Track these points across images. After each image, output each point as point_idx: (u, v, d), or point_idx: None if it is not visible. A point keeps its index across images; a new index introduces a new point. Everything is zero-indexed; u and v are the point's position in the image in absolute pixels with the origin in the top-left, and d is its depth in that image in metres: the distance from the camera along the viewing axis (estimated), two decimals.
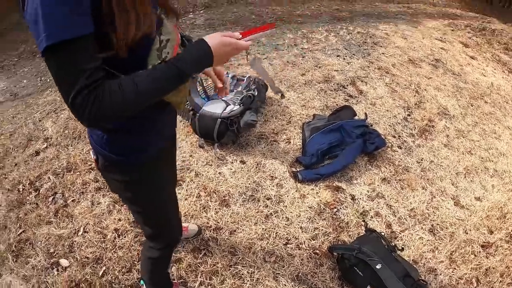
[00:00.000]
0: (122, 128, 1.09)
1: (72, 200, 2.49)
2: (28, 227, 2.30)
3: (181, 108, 1.19)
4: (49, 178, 2.65)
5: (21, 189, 2.58)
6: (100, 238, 2.22)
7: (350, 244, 2.13)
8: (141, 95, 0.89)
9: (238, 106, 2.73)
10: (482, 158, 3.25)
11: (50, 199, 2.50)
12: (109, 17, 0.83)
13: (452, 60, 4.94)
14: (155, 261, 1.57)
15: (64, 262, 2.09)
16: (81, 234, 2.25)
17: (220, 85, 1.34)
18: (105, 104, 0.83)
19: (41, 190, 2.56)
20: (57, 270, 2.06)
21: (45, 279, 2.02)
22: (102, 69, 0.84)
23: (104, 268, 2.06)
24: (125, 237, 2.22)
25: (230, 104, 2.80)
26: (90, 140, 1.17)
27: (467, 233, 2.50)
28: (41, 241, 2.21)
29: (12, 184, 2.63)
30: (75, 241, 2.20)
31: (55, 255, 2.14)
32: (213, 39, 0.99)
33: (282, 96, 1.32)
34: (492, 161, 3.25)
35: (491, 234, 2.54)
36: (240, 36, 1.05)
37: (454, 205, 2.68)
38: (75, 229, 2.27)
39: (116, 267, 2.06)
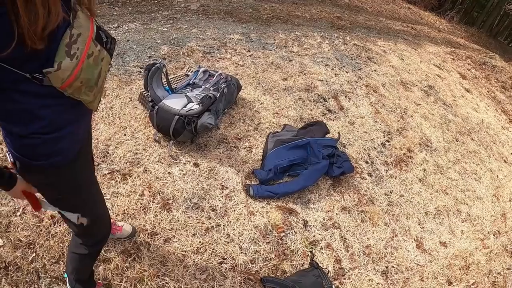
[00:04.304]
0: (37, 133, 1.03)
1: None
2: None
3: (95, 107, 1.13)
4: None
5: None
6: (36, 223, 2.07)
7: (285, 280, 1.89)
8: None
9: (198, 106, 2.47)
10: (456, 199, 3.03)
11: None
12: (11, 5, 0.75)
13: (446, 90, 4.73)
14: (83, 258, 1.54)
15: None
16: (20, 215, 2.10)
17: None
18: None
19: None
20: None
21: None
22: None
23: (34, 254, 1.93)
24: (60, 226, 2.06)
25: (192, 102, 2.54)
26: (5, 143, 1.11)
27: (423, 281, 2.27)
28: None
29: None
30: (12, 221, 2.06)
31: None
32: (15, 190, 1.13)
33: None
34: (467, 204, 3.04)
35: (449, 286, 2.32)
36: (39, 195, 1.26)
37: (416, 247, 2.45)
38: (15, 208, 2.12)
39: (46, 255, 1.93)
